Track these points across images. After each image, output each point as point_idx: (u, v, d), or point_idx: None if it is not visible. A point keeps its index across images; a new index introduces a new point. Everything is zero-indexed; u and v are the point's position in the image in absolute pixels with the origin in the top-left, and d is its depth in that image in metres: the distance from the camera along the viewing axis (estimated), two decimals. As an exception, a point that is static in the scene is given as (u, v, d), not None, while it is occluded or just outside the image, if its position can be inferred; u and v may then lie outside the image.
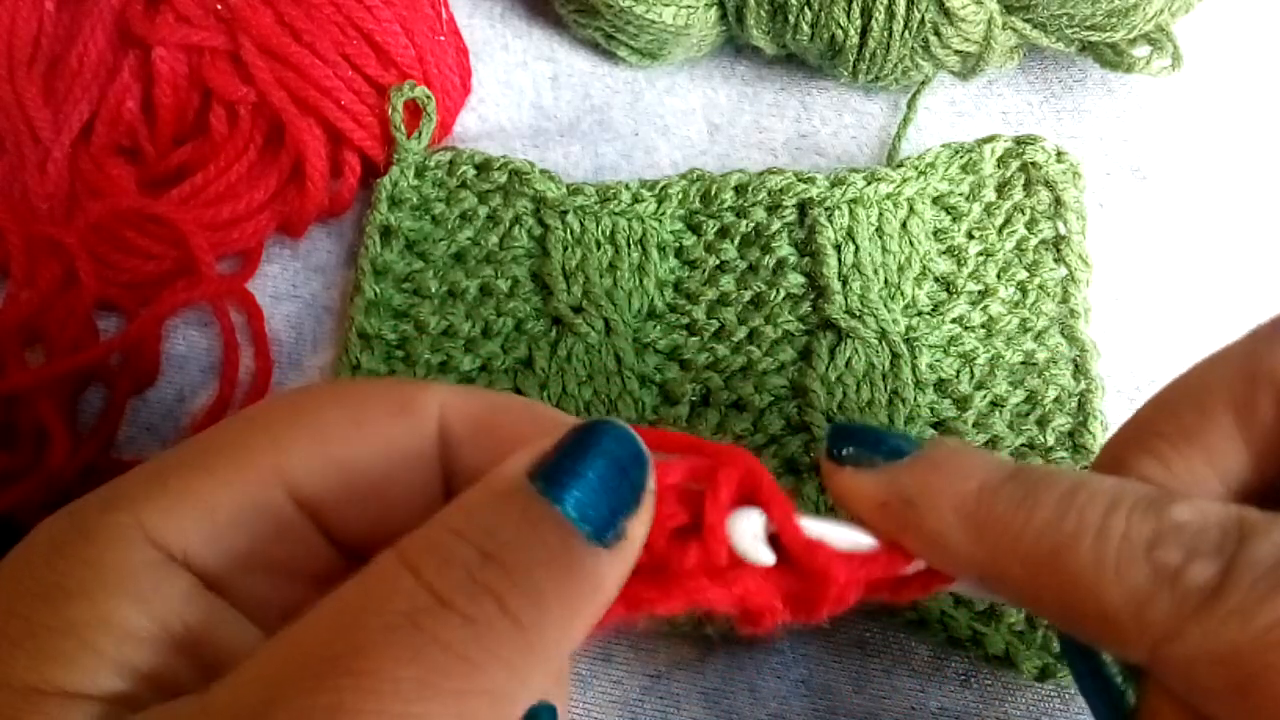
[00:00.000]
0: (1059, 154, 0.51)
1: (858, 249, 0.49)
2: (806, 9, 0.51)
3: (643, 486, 0.26)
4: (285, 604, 0.28)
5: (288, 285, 0.53)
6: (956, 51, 0.52)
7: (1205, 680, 0.23)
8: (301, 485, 0.27)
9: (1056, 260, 0.50)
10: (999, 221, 0.51)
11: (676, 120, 0.57)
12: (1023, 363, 0.48)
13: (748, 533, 0.27)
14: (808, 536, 0.27)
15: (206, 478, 0.26)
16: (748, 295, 0.49)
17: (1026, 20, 0.52)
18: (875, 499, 0.28)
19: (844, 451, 0.29)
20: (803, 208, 0.50)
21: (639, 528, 0.26)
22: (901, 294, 0.49)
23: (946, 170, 0.51)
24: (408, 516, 0.26)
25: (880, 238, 0.50)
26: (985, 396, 0.47)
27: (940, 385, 0.48)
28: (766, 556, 0.27)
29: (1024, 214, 0.51)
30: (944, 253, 0.50)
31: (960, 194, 0.51)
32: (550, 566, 0.23)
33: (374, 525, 0.28)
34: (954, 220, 0.51)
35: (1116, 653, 0.26)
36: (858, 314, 0.48)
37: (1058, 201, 0.50)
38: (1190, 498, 0.25)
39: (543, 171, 0.52)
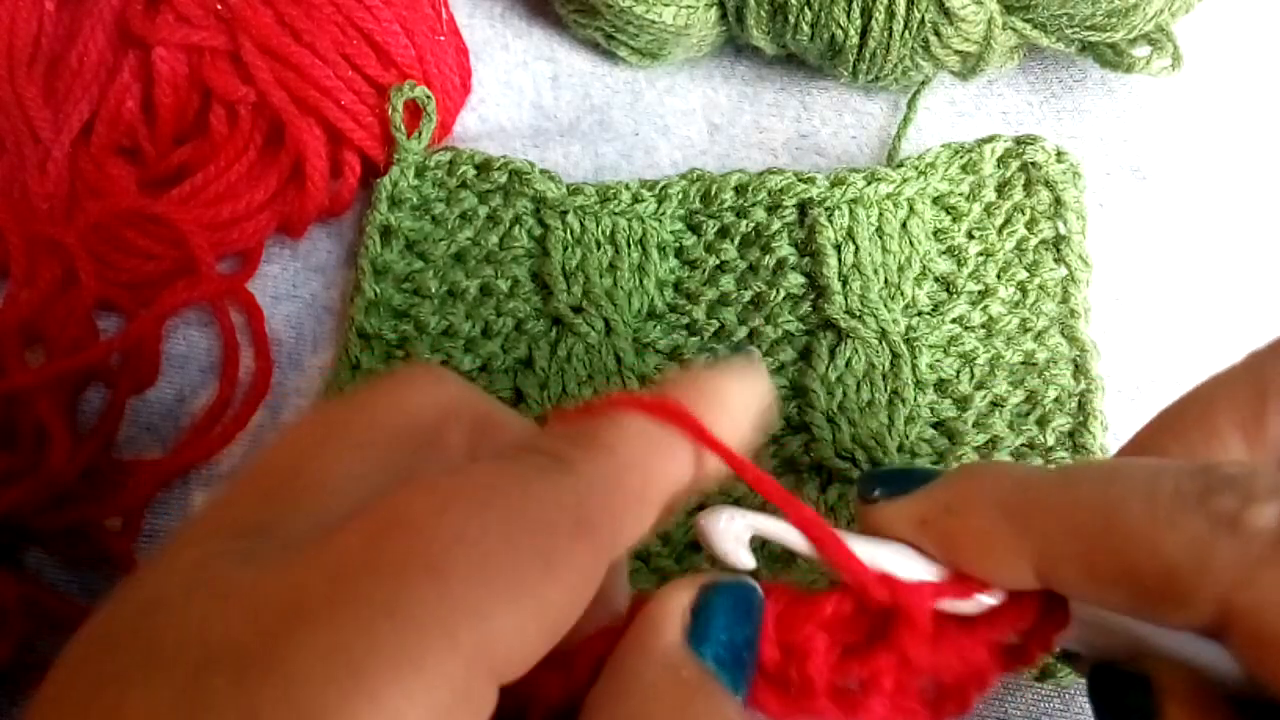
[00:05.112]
0: (1059, 154, 0.51)
1: (858, 249, 0.49)
2: (806, 9, 0.51)
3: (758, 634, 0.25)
4: None
5: (288, 285, 0.53)
6: (956, 51, 0.52)
7: None
8: (508, 669, 0.21)
9: (1056, 260, 0.50)
10: (999, 221, 0.51)
11: (676, 120, 0.57)
12: (1023, 363, 0.48)
13: (730, 533, 0.25)
14: (868, 564, 0.25)
15: (415, 676, 0.20)
16: (748, 295, 0.49)
17: (1026, 20, 0.52)
18: (913, 517, 0.26)
19: (876, 493, 0.28)
20: (803, 208, 0.50)
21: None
22: (901, 294, 0.49)
23: (946, 170, 0.51)
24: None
25: (880, 238, 0.50)
26: (985, 396, 0.47)
27: (940, 385, 0.48)
28: (747, 560, 0.25)
29: (1024, 214, 0.51)
30: (944, 253, 0.50)
31: (960, 194, 0.51)
32: None
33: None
34: (954, 220, 0.51)
35: (1185, 619, 0.23)
36: (858, 314, 0.48)
37: (1058, 201, 0.50)
38: (1233, 460, 0.24)
39: (543, 171, 0.52)
